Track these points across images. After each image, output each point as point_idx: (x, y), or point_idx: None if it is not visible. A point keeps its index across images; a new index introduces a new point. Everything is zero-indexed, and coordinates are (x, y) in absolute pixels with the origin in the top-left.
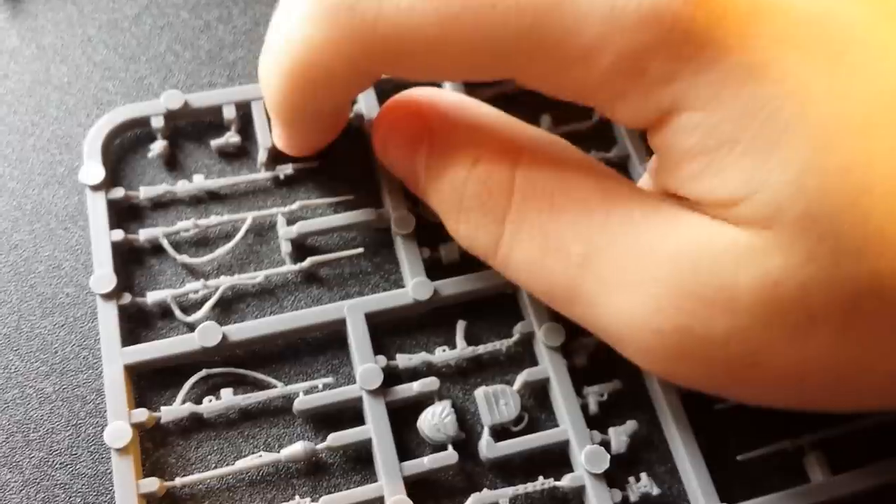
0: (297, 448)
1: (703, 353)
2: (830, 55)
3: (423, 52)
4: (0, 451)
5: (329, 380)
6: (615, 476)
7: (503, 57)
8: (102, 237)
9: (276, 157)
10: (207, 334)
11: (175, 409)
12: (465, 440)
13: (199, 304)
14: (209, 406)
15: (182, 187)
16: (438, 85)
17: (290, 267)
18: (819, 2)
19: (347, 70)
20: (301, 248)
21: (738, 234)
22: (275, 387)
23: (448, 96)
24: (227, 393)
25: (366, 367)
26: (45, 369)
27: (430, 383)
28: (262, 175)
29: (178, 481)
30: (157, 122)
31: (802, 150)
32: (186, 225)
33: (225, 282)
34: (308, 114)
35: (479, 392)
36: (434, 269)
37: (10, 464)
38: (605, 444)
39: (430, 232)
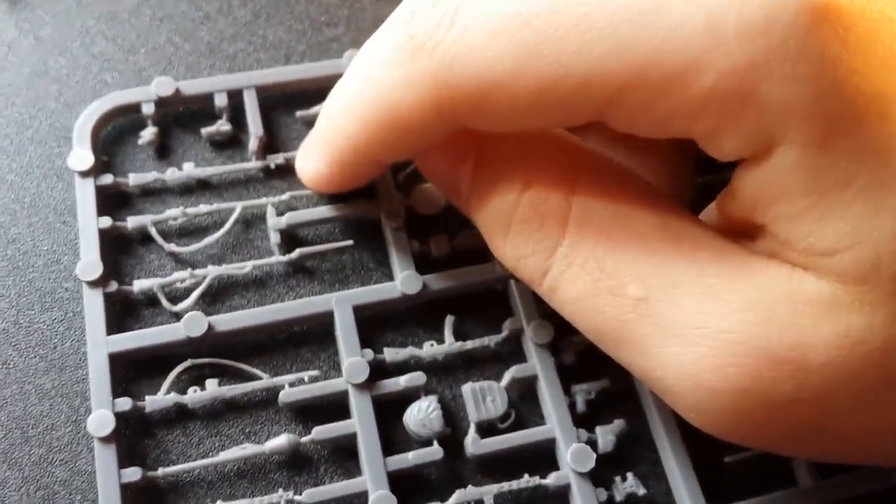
0: (281, 440)
1: (764, 417)
2: None
3: (501, 94)
4: None
5: (315, 372)
6: (601, 475)
7: (587, 90)
8: (90, 224)
9: (266, 147)
10: (193, 324)
11: (160, 399)
12: (451, 436)
13: (186, 294)
14: (194, 396)
15: (171, 175)
16: None
17: (278, 258)
18: None
19: (428, 116)
20: (290, 238)
21: (822, 287)
22: (260, 378)
23: None
24: (212, 384)
25: (352, 360)
26: (45, 365)
27: (416, 378)
28: (253, 164)
29: (161, 471)
30: (148, 109)
31: None
32: (175, 213)
33: (212, 271)
34: (376, 160)
35: (467, 388)
36: (424, 263)
37: (10, 461)
38: (592, 443)
39: (420, 225)
